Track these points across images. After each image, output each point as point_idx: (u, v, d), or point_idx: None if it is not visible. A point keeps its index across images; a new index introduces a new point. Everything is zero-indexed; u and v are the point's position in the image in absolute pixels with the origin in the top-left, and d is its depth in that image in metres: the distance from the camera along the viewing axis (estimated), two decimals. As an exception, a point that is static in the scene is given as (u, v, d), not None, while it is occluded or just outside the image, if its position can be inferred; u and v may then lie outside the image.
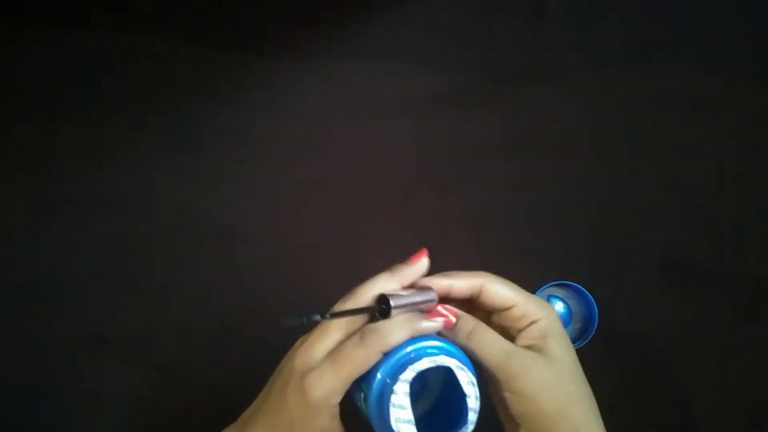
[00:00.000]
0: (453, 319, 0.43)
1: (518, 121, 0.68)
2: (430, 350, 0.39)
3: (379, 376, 0.39)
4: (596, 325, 0.62)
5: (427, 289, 0.42)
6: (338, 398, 0.39)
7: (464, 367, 0.39)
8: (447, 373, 0.39)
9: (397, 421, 0.37)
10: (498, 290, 0.43)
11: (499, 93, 0.68)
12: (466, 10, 0.68)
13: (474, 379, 0.39)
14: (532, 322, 0.43)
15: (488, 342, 0.41)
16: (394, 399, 0.38)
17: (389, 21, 0.68)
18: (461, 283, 0.44)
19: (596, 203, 0.66)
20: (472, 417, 0.39)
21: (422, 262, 0.44)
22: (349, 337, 0.40)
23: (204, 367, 0.62)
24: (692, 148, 0.67)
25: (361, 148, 0.67)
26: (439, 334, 0.42)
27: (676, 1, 0.69)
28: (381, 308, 0.40)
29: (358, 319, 0.41)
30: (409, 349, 0.39)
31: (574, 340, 0.63)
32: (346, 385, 0.39)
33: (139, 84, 0.68)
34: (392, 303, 0.39)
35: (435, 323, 0.41)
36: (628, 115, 0.67)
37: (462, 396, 0.39)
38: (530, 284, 0.63)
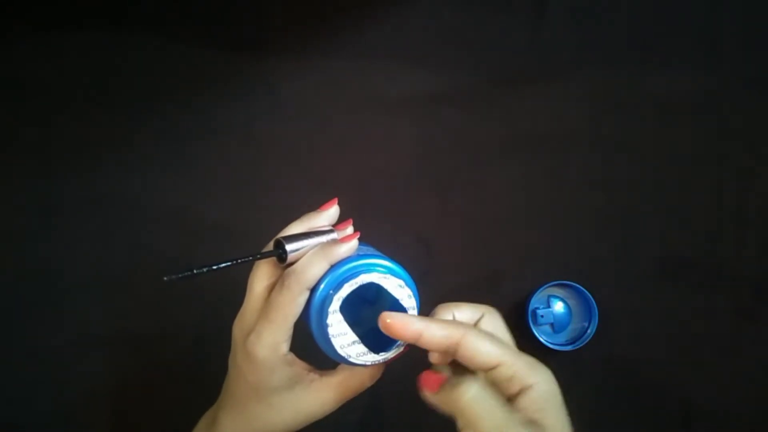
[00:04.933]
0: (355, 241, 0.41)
1: (518, 121, 0.68)
2: (355, 272, 0.39)
3: (311, 311, 0.40)
4: (596, 325, 0.62)
5: (328, 229, 0.42)
6: (285, 347, 0.40)
7: (388, 276, 0.40)
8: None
9: (333, 336, 0.39)
10: (479, 346, 0.37)
11: (499, 93, 0.68)
12: (466, 10, 0.69)
13: (404, 283, 0.40)
14: (524, 388, 0.37)
15: (481, 409, 0.36)
16: (331, 330, 0.39)
17: (389, 21, 0.68)
18: (434, 332, 0.37)
19: (596, 203, 0.66)
20: (412, 314, 0.40)
21: (332, 210, 0.43)
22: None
23: (204, 367, 0.62)
24: (692, 148, 0.67)
25: (361, 148, 0.67)
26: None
27: (676, 1, 0.69)
28: (278, 253, 0.40)
29: (281, 271, 0.41)
30: (334, 275, 0.39)
31: (574, 340, 0.63)
32: (287, 332, 0.40)
33: (139, 84, 0.68)
34: (287, 247, 0.39)
35: (349, 245, 0.40)
36: (628, 115, 0.67)
37: (397, 301, 0.40)
38: (530, 284, 0.64)
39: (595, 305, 0.62)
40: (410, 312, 0.40)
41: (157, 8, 0.68)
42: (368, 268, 0.40)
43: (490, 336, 0.38)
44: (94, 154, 0.66)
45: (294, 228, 0.42)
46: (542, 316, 0.63)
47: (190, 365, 0.63)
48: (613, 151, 0.67)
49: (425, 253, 0.66)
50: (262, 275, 0.41)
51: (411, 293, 0.40)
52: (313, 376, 0.42)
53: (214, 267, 0.38)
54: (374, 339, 0.40)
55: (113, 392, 0.63)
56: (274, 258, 0.41)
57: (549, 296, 0.64)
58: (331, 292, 0.39)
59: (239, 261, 0.39)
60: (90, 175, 0.66)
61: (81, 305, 0.64)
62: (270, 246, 0.41)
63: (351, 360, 0.40)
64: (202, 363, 0.62)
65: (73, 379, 0.63)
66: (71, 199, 0.65)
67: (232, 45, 0.68)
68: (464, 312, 0.40)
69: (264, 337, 0.39)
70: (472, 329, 0.38)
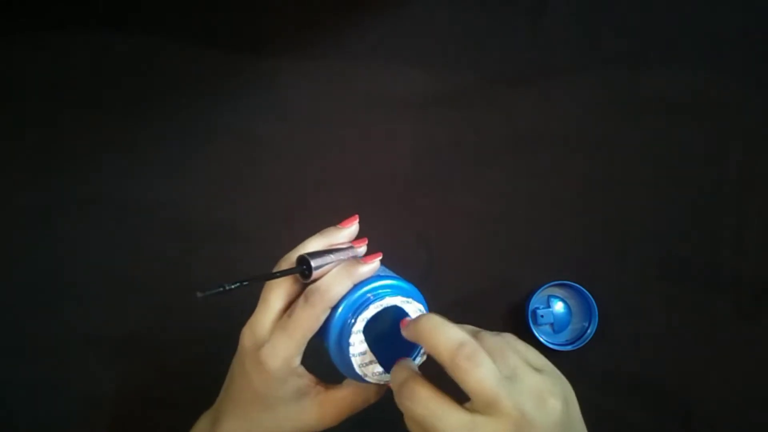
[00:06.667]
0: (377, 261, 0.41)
1: (518, 121, 0.68)
2: (378, 293, 0.40)
3: (331, 329, 0.40)
4: (596, 325, 0.62)
5: (349, 246, 0.43)
6: (297, 360, 0.41)
7: (410, 300, 0.40)
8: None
9: (353, 356, 0.39)
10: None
11: (499, 93, 0.68)
12: (465, 10, 0.68)
13: (423, 308, 0.41)
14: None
15: (418, 400, 0.36)
16: (352, 349, 0.39)
17: (389, 21, 0.68)
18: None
19: (596, 203, 0.66)
20: None
21: (352, 227, 0.44)
22: (293, 302, 0.41)
23: (203, 367, 0.62)
24: (692, 148, 0.67)
25: (361, 148, 0.67)
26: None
27: (676, 1, 0.69)
28: (302, 269, 0.40)
29: (298, 285, 0.41)
30: (356, 295, 0.40)
31: (574, 340, 0.63)
32: (301, 348, 0.40)
33: (139, 84, 0.68)
34: (312, 263, 0.40)
35: (372, 264, 0.41)
36: (627, 115, 0.67)
37: None
38: (530, 284, 0.64)
39: (595, 305, 0.62)
40: None
41: (157, 8, 0.68)
42: (392, 291, 0.41)
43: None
44: (94, 155, 0.66)
45: (313, 243, 0.42)
46: (542, 316, 0.63)
47: (191, 366, 0.63)
48: (613, 151, 0.67)
49: (426, 253, 0.66)
50: (280, 289, 0.41)
51: None
52: (320, 389, 0.43)
53: (245, 282, 0.38)
54: (387, 358, 0.40)
55: (113, 393, 0.63)
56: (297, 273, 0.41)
57: (549, 296, 0.64)
58: (351, 314, 0.40)
59: (267, 277, 0.40)
60: (90, 176, 0.66)
61: (81, 306, 0.64)
62: (293, 261, 0.41)
63: (367, 379, 0.40)
64: (203, 364, 0.62)
65: (73, 381, 0.63)
66: (72, 200, 0.65)
67: (232, 45, 0.68)
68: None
69: (279, 350, 0.39)
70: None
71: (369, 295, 0.40)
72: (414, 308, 0.41)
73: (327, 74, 0.68)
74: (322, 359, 0.42)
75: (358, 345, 0.39)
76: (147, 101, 0.67)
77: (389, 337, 0.43)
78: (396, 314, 0.41)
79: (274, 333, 0.40)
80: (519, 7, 0.68)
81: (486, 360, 0.35)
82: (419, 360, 0.42)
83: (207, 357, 0.63)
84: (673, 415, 0.64)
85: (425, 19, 0.68)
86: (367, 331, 0.40)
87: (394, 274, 0.43)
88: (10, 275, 0.64)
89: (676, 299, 0.65)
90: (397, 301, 0.40)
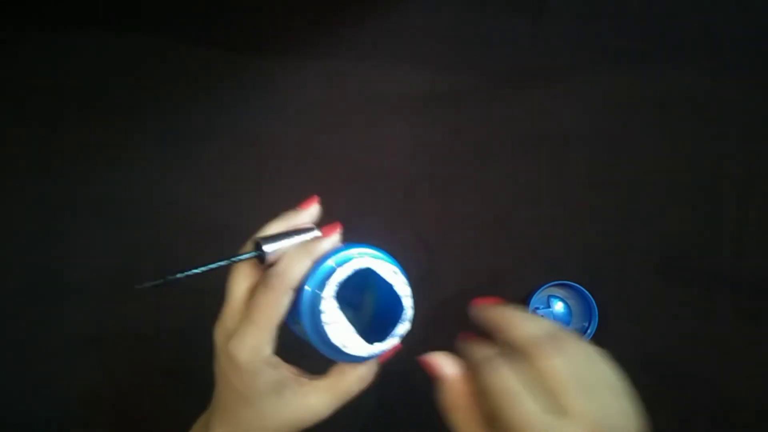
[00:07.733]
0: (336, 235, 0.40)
1: (518, 121, 0.68)
2: (343, 260, 0.38)
3: (302, 310, 0.38)
4: (596, 325, 0.62)
5: (310, 227, 0.41)
6: (268, 349, 0.39)
7: (381, 261, 0.38)
8: (378, 277, 0.39)
9: (326, 324, 0.37)
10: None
11: (498, 93, 0.68)
12: (466, 10, 0.68)
13: (398, 270, 0.39)
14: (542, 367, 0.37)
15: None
16: (324, 317, 0.37)
17: (389, 21, 0.68)
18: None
19: (596, 203, 0.66)
20: (407, 302, 0.39)
21: (312, 208, 0.43)
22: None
23: (204, 367, 0.62)
24: (692, 148, 0.67)
25: (361, 148, 0.67)
26: None
27: (676, 2, 0.69)
28: (257, 254, 0.39)
29: (261, 271, 0.40)
30: (320, 269, 0.38)
31: (574, 340, 0.63)
32: (270, 334, 0.38)
33: (139, 84, 0.68)
34: (264, 247, 0.38)
35: (331, 239, 0.39)
36: (628, 115, 0.67)
37: (391, 287, 0.38)
38: (530, 284, 0.64)
39: (595, 305, 0.62)
40: (405, 300, 0.39)
41: (157, 9, 0.68)
42: (358, 256, 0.38)
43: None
44: (95, 155, 0.66)
45: (273, 227, 0.41)
46: (542, 317, 0.63)
47: (190, 366, 0.63)
48: (613, 151, 0.67)
49: (425, 253, 0.66)
50: (241, 277, 0.40)
51: (405, 280, 0.39)
52: (303, 380, 0.41)
53: (189, 273, 0.36)
54: (368, 333, 0.38)
55: (112, 393, 0.63)
56: (254, 259, 0.39)
57: (549, 296, 0.64)
58: (318, 288, 0.37)
59: (216, 265, 0.38)
60: (91, 176, 0.66)
61: (81, 306, 0.64)
62: (248, 246, 0.40)
63: (347, 351, 0.38)
64: (202, 364, 0.62)
65: (72, 380, 0.63)
66: (72, 200, 0.65)
67: (232, 45, 0.68)
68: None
69: (246, 340, 0.38)
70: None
71: (332, 264, 0.38)
72: (387, 270, 0.38)
73: (327, 74, 0.68)
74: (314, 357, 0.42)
75: (330, 313, 0.37)
76: (147, 102, 0.67)
77: (377, 309, 0.42)
78: (366, 286, 0.39)
79: (241, 323, 0.39)
80: (519, 7, 0.68)
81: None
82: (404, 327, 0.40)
83: (207, 357, 0.63)
84: (673, 415, 0.64)
85: (425, 19, 0.68)
86: (355, 313, 0.38)
87: (359, 243, 0.40)
88: (10, 275, 0.64)
89: (676, 299, 0.65)
90: (367, 262, 0.38)
